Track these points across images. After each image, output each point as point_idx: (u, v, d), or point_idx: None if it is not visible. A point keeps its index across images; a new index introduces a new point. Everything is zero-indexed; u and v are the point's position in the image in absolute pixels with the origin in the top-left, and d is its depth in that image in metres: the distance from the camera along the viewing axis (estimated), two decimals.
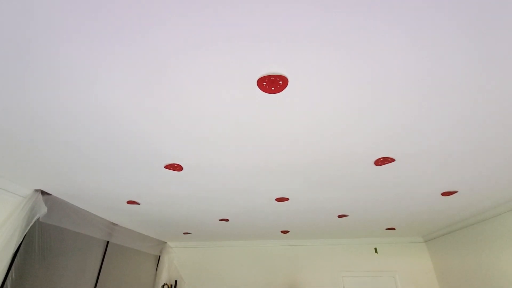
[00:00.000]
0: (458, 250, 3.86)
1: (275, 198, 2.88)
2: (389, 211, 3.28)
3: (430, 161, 2.05)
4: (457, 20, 1.00)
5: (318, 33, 1.04)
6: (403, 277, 4.41)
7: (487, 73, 1.24)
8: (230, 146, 1.87)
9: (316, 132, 1.70)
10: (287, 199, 2.90)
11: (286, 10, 0.96)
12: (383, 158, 2.01)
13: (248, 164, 2.13)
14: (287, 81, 1.28)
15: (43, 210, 2.60)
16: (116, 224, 3.93)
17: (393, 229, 4.14)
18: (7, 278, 2.37)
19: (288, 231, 4.35)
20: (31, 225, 2.52)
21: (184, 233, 4.56)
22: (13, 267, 2.43)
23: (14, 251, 2.41)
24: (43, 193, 2.67)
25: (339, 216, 3.53)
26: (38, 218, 2.59)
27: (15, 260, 2.46)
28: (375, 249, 4.70)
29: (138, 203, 3.07)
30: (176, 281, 4.87)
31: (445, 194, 2.72)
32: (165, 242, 5.20)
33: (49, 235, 2.88)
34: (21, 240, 2.47)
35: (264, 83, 1.29)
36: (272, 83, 1.29)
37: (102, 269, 3.62)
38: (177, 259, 5.17)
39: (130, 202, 3.03)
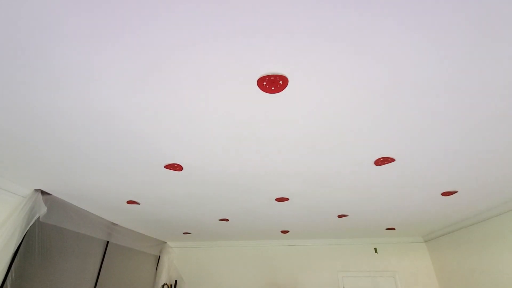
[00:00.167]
0: (458, 250, 3.86)
1: (275, 198, 2.88)
2: (389, 211, 3.28)
3: (430, 161, 2.05)
4: (461, 20, 1.00)
5: (319, 32, 1.04)
6: (403, 277, 4.41)
7: (487, 73, 1.24)
8: (230, 146, 1.87)
9: (316, 132, 1.70)
10: (287, 199, 2.90)
11: (287, 9, 0.96)
12: (383, 158, 2.01)
13: (248, 164, 2.13)
14: (287, 81, 1.28)
15: (43, 210, 2.60)
16: (116, 224, 3.93)
17: (393, 229, 4.14)
18: (7, 278, 2.37)
19: (288, 231, 4.35)
20: (31, 225, 2.52)
21: (184, 233, 4.56)
22: (13, 267, 2.42)
23: (14, 251, 2.41)
24: (43, 193, 2.67)
25: (339, 216, 3.53)
26: (38, 218, 2.59)
27: (15, 260, 2.46)
28: (375, 249, 4.70)
29: (138, 203, 3.07)
30: (176, 281, 4.87)
31: (445, 194, 2.72)
32: (165, 242, 5.20)
33: (49, 235, 2.88)
34: (21, 240, 2.47)
35: (264, 83, 1.29)
36: (272, 83, 1.29)
37: (102, 269, 3.62)
38: (177, 259, 5.18)
39: (130, 202, 3.03)
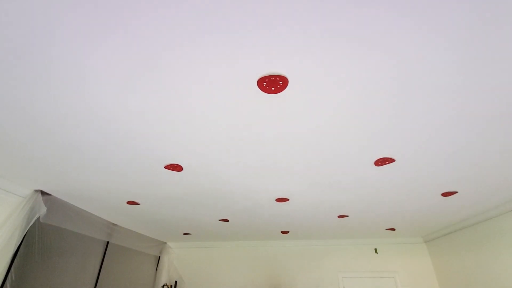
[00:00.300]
0: (458, 251, 3.85)
1: (275, 198, 2.88)
2: (389, 211, 3.28)
3: (430, 161, 2.05)
4: (459, 20, 1.00)
5: (319, 33, 1.04)
6: (403, 277, 4.41)
7: (487, 73, 1.24)
8: (230, 146, 1.87)
9: (316, 132, 1.70)
10: (287, 199, 2.90)
11: (287, 9, 0.96)
12: (383, 159, 2.01)
13: (248, 164, 2.13)
14: (287, 81, 1.28)
15: (43, 210, 2.60)
16: (116, 225, 3.93)
17: (393, 229, 4.14)
18: (7, 278, 2.36)
19: (288, 232, 4.35)
20: (30, 225, 2.52)
21: (184, 233, 4.55)
22: (12, 268, 2.42)
23: (14, 251, 2.41)
24: (43, 193, 2.67)
25: (339, 217, 3.53)
26: (38, 219, 2.59)
27: (15, 260, 2.45)
28: (375, 249, 4.70)
29: (138, 203, 3.07)
30: (176, 282, 4.87)
31: (445, 194, 2.72)
32: (165, 243, 5.20)
33: (49, 235, 2.88)
34: (21, 240, 2.47)
35: (264, 83, 1.29)
36: (272, 83, 1.29)
37: (102, 269, 3.62)
38: (177, 260, 5.17)
39: (130, 202, 3.03)
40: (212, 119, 1.57)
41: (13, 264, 2.43)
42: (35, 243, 2.69)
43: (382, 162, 2.05)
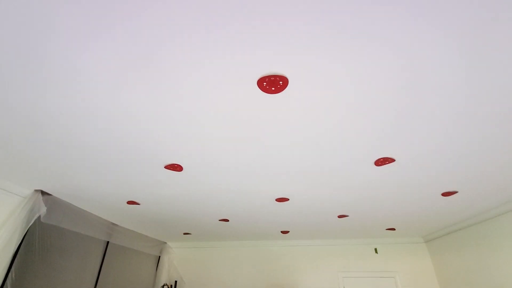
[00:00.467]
0: (458, 251, 3.85)
1: (275, 198, 2.88)
2: (389, 211, 3.28)
3: (430, 161, 2.05)
4: (454, 20, 1.00)
5: (319, 33, 1.04)
6: (403, 277, 4.41)
7: (487, 72, 1.24)
8: (230, 146, 1.87)
9: (316, 132, 1.70)
10: (287, 199, 2.90)
11: (287, 9, 0.96)
12: (383, 159, 2.01)
13: (248, 164, 2.13)
14: (287, 81, 1.28)
15: (43, 210, 2.60)
16: (116, 224, 3.93)
17: (393, 229, 4.14)
18: (7, 278, 2.37)
19: (288, 231, 4.35)
20: (31, 225, 2.52)
21: (184, 233, 4.55)
22: (13, 267, 2.43)
23: (14, 251, 2.42)
24: (43, 193, 2.67)
25: (339, 217, 3.53)
26: (39, 218, 2.59)
27: (15, 260, 2.46)
28: (375, 249, 4.70)
29: (138, 203, 3.07)
30: (176, 281, 4.87)
31: (445, 194, 2.72)
32: (165, 242, 5.20)
33: (49, 235, 2.88)
34: (21, 240, 2.47)
35: (264, 83, 1.29)
36: (272, 83, 1.29)
37: (102, 269, 3.62)
38: (177, 260, 5.17)
39: (130, 202, 3.03)
40: (213, 119, 1.57)
41: (14, 263, 2.44)
42: (35, 243, 2.70)
43: (382, 162, 2.05)
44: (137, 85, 1.31)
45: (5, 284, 2.34)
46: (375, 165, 2.11)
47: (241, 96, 1.39)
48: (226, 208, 3.23)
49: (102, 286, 3.58)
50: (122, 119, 1.57)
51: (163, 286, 4.62)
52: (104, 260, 3.69)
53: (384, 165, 2.12)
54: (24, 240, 2.55)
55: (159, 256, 5.01)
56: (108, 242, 3.80)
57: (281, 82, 1.28)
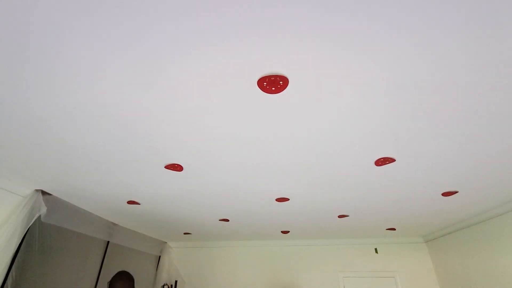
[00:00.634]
0: (458, 251, 3.85)
1: (275, 198, 2.88)
2: (389, 211, 3.28)
3: (430, 161, 2.05)
4: (461, 18, 1.00)
5: (319, 32, 1.04)
6: (403, 277, 4.41)
7: (487, 72, 1.24)
8: (230, 146, 1.87)
9: (316, 132, 1.70)
10: (287, 199, 2.90)
11: (287, 9, 0.96)
12: (383, 159, 2.01)
13: (248, 164, 2.13)
14: (288, 81, 1.28)
15: (43, 210, 2.60)
16: (116, 224, 3.93)
17: (394, 229, 4.14)
18: (8, 277, 2.37)
19: (288, 231, 4.35)
20: (31, 225, 2.52)
21: (184, 233, 4.56)
22: (13, 267, 2.43)
23: (15, 251, 2.42)
24: (43, 192, 2.67)
25: (339, 217, 3.53)
26: (39, 218, 2.59)
27: (16, 260, 2.46)
28: (375, 249, 4.70)
29: (138, 203, 3.07)
30: (176, 281, 4.87)
31: (445, 194, 2.72)
32: (165, 242, 5.20)
33: (50, 235, 2.88)
34: (22, 239, 2.48)
35: (264, 83, 1.29)
36: (273, 83, 1.29)
37: (102, 269, 3.62)
38: (178, 259, 5.18)
39: (130, 202, 3.04)
40: (213, 119, 1.57)
41: (14, 263, 2.44)
42: (35, 242, 2.70)
43: (382, 162, 2.05)
44: (138, 85, 1.31)
45: (6, 283, 2.35)
46: (375, 165, 2.11)
47: (241, 96, 1.39)
48: (226, 208, 3.23)
49: (102, 286, 3.58)
50: (122, 119, 1.57)
51: (163, 286, 4.62)
52: (104, 260, 3.69)
53: (384, 165, 2.12)
54: (24, 240, 2.56)
55: (159, 256, 5.01)
56: (108, 242, 3.80)
57: (281, 82, 1.28)
